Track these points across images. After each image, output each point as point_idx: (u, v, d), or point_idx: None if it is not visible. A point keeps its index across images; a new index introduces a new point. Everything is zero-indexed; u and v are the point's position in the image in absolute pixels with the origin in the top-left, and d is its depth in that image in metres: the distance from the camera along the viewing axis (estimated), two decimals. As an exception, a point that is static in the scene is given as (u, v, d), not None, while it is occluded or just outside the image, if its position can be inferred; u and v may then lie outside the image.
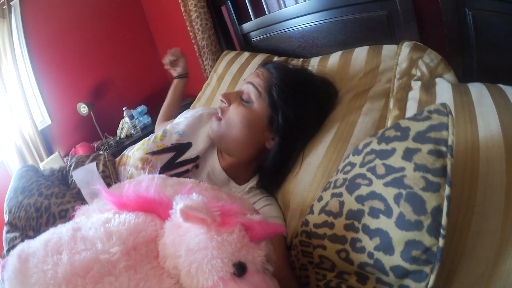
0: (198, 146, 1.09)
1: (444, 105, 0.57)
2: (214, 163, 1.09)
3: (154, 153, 1.03)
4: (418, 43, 1.10)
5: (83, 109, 2.76)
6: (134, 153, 1.05)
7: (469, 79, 0.97)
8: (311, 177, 0.92)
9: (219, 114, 1.07)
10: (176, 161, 1.04)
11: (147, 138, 1.11)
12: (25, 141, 2.59)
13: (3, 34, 2.46)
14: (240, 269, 0.48)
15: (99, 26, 3.02)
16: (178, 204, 0.50)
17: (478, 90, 0.83)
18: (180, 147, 1.07)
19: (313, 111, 1.03)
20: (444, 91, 0.90)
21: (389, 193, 0.54)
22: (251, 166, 1.08)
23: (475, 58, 1.05)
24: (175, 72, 1.66)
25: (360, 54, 1.22)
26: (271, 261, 0.54)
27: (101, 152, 1.14)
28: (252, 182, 1.07)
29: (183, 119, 1.20)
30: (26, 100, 2.59)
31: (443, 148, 0.52)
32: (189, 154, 1.06)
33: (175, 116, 1.44)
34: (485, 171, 0.62)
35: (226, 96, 1.07)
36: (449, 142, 0.52)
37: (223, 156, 1.09)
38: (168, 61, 1.61)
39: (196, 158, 1.07)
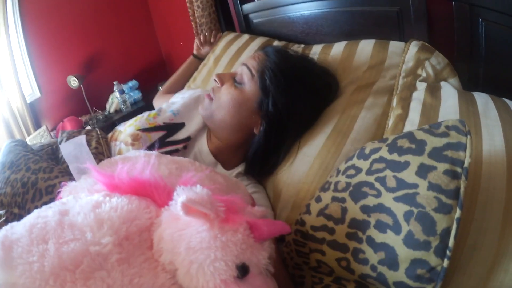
0: (191, 127, 1.09)
1: (462, 122, 0.56)
2: (202, 145, 1.08)
3: (145, 130, 1.02)
4: (426, 43, 1.08)
5: (73, 82, 2.68)
6: (126, 129, 1.04)
7: (473, 88, 0.97)
8: (307, 168, 0.90)
9: (211, 94, 1.05)
10: (166, 140, 1.03)
11: (141, 115, 1.10)
12: (13, 114, 2.52)
13: (-3, 3, 2.36)
14: (242, 271, 0.46)
15: (95, -2, 2.92)
16: (180, 196, 0.46)
17: (484, 102, 0.83)
18: (172, 127, 1.07)
19: (308, 100, 1.00)
20: (449, 96, 0.89)
21: (399, 209, 0.53)
22: (239, 151, 1.07)
23: (482, 68, 1.06)
24: (198, 50, 1.71)
25: (366, 46, 1.19)
26: (273, 262, 0.52)
27: (89, 127, 1.10)
28: (240, 168, 1.06)
29: (180, 99, 1.19)
30: (16, 71, 2.51)
31: (459, 170, 0.51)
32: (180, 135, 1.06)
33: (176, 92, 1.43)
34: (486, 186, 0.62)
35: (219, 76, 1.06)
36: (465, 164, 0.51)
37: (211, 139, 1.08)
38: (206, 39, 1.70)
39: (187, 139, 1.07)
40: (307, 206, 0.71)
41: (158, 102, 1.58)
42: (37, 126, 2.66)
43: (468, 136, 0.53)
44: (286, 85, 0.97)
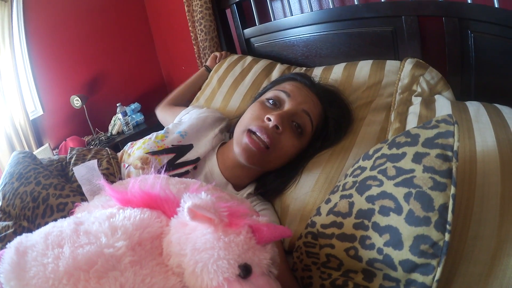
0: (200, 148, 1.08)
1: (450, 115, 0.62)
2: (213, 166, 1.06)
3: (154, 153, 1.01)
4: (421, 60, 1.16)
5: (76, 102, 2.72)
6: (134, 152, 1.03)
7: (466, 98, 1.03)
8: (313, 183, 0.94)
9: (264, 138, 0.92)
10: (175, 162, 1.02)
11: (148, 136, 1.09)
12: (15, 130, 2.54)
13: (3, 18, 2.42)
14: (245, 271, 0.48)
15: (99, 20, 3.00)
16: (186, 202, 0.49)
17: (475, 108, 0.88)
18: (181, 149, 1.05)
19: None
20: (443, 107, 0.95)
21: (400, 192, 0.57)
22: (254, 174, 1.06)
23: (473, 78, 1.11)
24: (213, 63, 1.77)
25: (364, 67, 1.25)
26: (276, 264, 0.54)
27: (91, 146, 1.11)
28: (250, 189, 1.05)
29: (187, 118, 1.17)
30: (20, 88, 2.55)
31: (449, 153, 0.56)
32: (189, 156, 1.05)
33: (182, 104, 1.46)
34: (482, 182, 0.67)
35: (281, 120, 0.93)
36: (455, 148, 0.56)
37: (222, 160, 1.06)
38: (223, 55, 1.78)
39: (197, 159, 1.06)
40: (317, 209, 0.75)
41: (162, 113, 1.58)
42: (39, 143, 2.68)
43: (456, 125, 0.59)
44: (341, 134, 1.04)
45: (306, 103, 1.00)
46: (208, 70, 1.73)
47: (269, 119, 0.93)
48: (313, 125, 0.99)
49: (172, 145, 1.04)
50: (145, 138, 1.09)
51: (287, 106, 0.99)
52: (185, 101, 1.61)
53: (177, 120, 1.27)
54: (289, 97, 1.01)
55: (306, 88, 1.05)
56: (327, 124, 1.04)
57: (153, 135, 1.09)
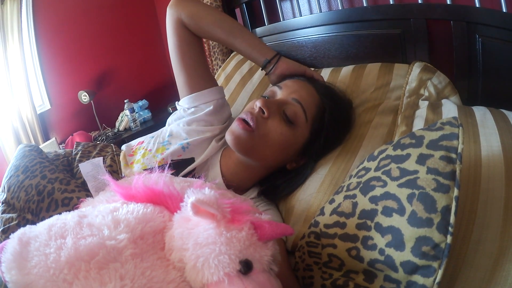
0: (201, 160, 1.02)
1: (455, 118, 0.61)
2: (216, 176, 1.02)
3: (152, 169, 0.94)
4: (429, 64, 1.15)
5: (84, 97, 2.75)
6: (133, 165, 1.00)
7: (473, 103, 1.03)
8: (318, 184, 0.93)
9: (250, 121, 0.91)
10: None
11: (151, 143, 1.05)
12: (22, 123, 2.57)
13: (12, 13, 2.45)
14: (246, 267, 0.48)
15: (108, 16, 3.03)
16: (190, 198, 0.50)
17: (482, 113, 0.88)
18: (181, 164, 1.00)
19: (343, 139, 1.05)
20: (450, 111, 0.95)
21: (403, 193, 0.57)
22: (257, 178, 1.04)
23: (481, 83, 1.10)
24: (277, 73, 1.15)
25: (373, 70, 1.25)
26: (277, 262, 0.55)
27: (98, 142, 1.11)
28: (253, 193, 1.04)
29: (194, 125, 1.08)
30: (28, 82, 2.57)
31: (453, 155, 0.56)
32: (189, 168, 1.01)
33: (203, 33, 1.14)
34: (486, 186, 0.67)
35: (267, 104, 0.92)
36: (459, 150, 0.56)
37: (226, 161, 1.03)
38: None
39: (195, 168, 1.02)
40: (321, 209, 0.75)
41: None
42: (45, 137, 2.71)
43: (460, 128, 0.58)
44: (340, 131, 1.02)
45: (297, 92, 0.97)
46: (266, 65, 1.11)
47: (256, 105, 0.93)
48: (306, 115, 0.94)
49: (172, 160, 0.99)
50: (147, 148, 1.04)
51: (278, 96, 1.00)
52: (209, 37, 1.19)
53: (189, 105, 1.13)
54: (281, 89, 1.00)
55: (304, 82, 1.02)
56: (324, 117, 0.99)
57: (155, 145, 1.04)
